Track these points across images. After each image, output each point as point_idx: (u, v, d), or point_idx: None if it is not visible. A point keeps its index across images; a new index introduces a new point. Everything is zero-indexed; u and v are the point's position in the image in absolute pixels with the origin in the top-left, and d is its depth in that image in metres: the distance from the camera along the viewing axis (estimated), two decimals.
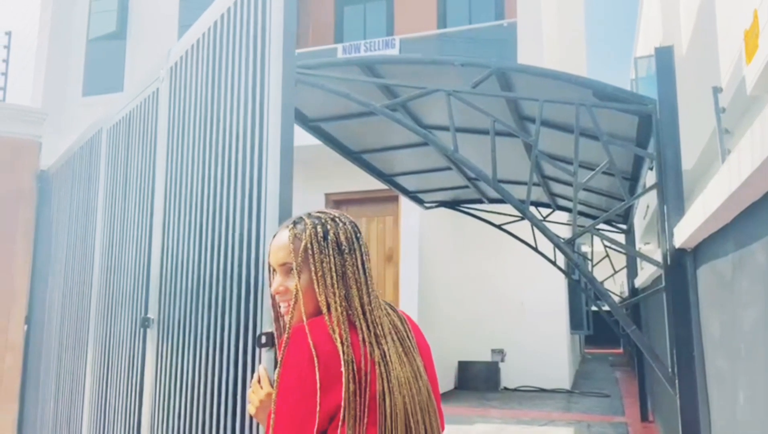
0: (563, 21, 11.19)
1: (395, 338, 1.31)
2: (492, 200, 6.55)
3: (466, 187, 6.13)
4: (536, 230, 4.39)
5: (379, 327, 1.28)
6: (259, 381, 1.45)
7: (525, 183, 4.54)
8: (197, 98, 2.47)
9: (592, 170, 3.40)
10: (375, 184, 6.14)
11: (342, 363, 1.18)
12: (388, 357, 1.24)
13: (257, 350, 1.90)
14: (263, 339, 1.80)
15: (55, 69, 9.63)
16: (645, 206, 11.49)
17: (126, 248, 3.11)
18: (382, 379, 1.22)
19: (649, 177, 4.38)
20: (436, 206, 7.00)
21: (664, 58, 2.88)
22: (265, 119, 2.00)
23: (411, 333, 1.39)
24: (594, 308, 10.66)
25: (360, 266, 1.32)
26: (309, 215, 1.39)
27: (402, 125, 3.64)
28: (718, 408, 2.29)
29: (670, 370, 2.84)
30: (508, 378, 8.81)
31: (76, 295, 3.81)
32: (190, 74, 2.55)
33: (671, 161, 2.81)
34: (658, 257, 3.11)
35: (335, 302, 1.27)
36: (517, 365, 8.81)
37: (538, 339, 8.72)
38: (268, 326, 1.84)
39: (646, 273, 5.22)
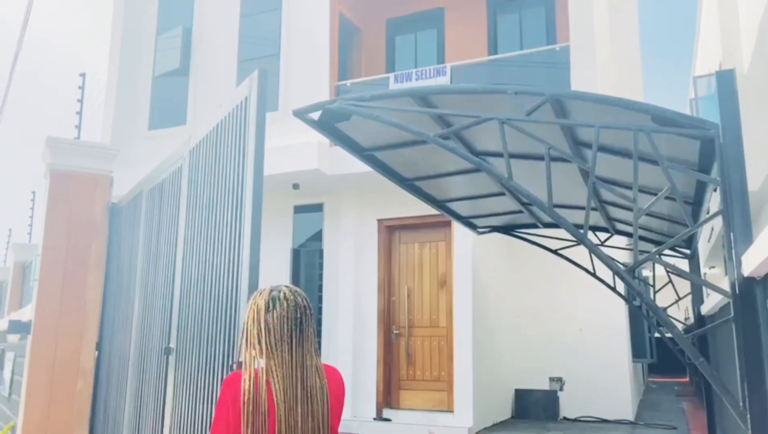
0: (617, 42, 11.00)
1: (298, 388, 1.81)
2: (547, 225, 6.44)
3: (520, 212, 6.06)
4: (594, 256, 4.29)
5: (279, 380, 1.80)
6: None
7: (581, 208, 4.46)
8: (205, 176, 3.37)
9: (653, 194, 3.32)
10: (427, 210, 6.15)
11: (243, 401, 1.77)
12: (280, 399, 1.78)
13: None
14: (234, 367, 2.53)
15: (123, 105, 10.19)
16: (709, 228, 11.02)
17: (157, 289, 3.95)
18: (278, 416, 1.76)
19: (713, 200, 4.23)
20: (489, 232, 6.94)
21: (725, 81, 2.80)
22: (245, 198, 2.77)
23: (321, 385, 1.86)
24: (657, 334, 10.23)
25: (274, 336, 1.83)
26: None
27: (455, 153, 3.66)
28: None
29: (741, 404, 2.71)
30: (568, 407, 8.53)
31: (123, 325, 4.45)
32: (201, 158, 3.47)
33: (736, 186, 2.71)
34: (725, 283, 2.99)
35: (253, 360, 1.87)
36: (576, 394, 8.53)
37: (598, 367, 8.42)
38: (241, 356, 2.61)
39: (713, 300, 5.00)
